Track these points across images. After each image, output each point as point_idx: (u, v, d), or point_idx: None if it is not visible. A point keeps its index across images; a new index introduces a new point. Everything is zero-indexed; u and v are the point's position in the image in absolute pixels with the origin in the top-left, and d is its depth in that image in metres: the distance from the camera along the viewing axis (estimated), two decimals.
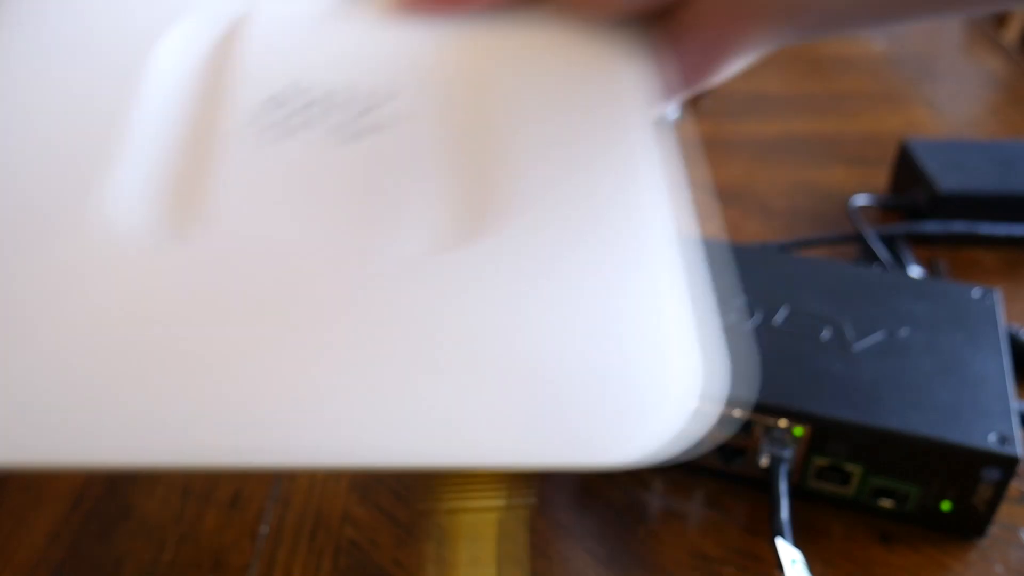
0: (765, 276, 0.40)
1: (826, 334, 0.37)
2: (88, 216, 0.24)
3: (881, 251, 0.47)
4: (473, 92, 0.30)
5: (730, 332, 0.37)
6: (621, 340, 0.25)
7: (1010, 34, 1.01)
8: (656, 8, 0.31)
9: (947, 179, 0.50)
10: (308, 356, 0.22)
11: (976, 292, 0.39)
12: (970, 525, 0.34)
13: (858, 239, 0.49)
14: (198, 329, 0.22)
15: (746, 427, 0.35)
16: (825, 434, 0.34)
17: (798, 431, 0.34)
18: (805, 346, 0.36)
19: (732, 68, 0.33)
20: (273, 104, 0.28)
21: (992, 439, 0.32)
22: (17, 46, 0.29)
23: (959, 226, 0.50)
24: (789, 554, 0.32)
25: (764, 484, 0.36)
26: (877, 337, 0.37)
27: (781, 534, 0.32)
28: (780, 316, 0.38)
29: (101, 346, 0.22)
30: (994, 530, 0.35)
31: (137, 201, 0.25)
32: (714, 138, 0.62)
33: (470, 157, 0.28)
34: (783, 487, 0.34)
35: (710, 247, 0.42)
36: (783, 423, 0.34)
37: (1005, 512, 0.36)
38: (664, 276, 0.28)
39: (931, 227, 0.50)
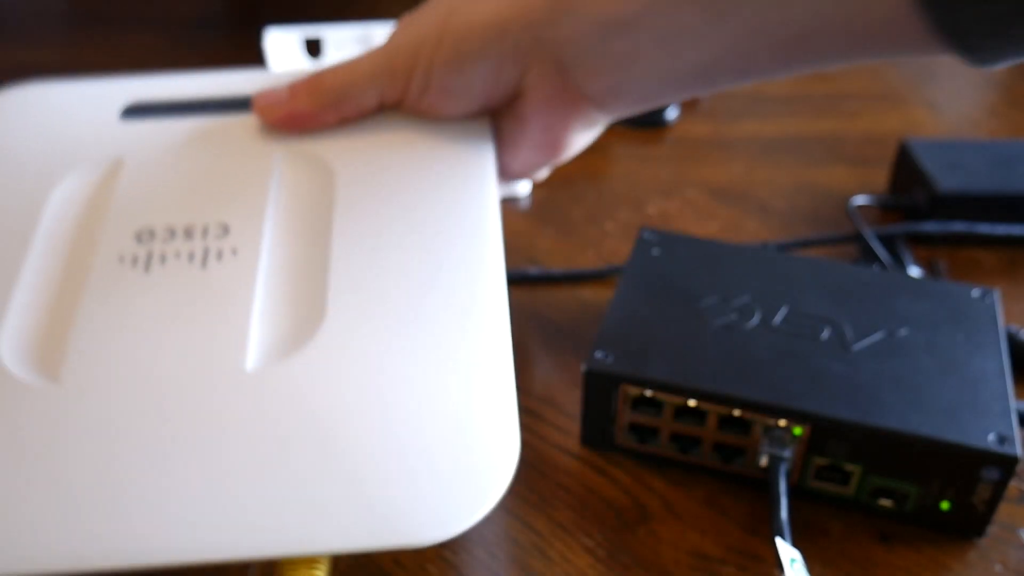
0: (765, 276, 0.40)
1: (825, 334, 0.37)
2: None
3: (880, 251, 0.47)
4: (314, 205, 0.34)
5: (730, 332, 0.37)
6: (426, 433, 0.28)
7: None
8: (493, 106, 0.36)
9: (947, 179, 0.50)
10: (154, 469, 0.26)
11: (976, 292, 0.39)
12: (969, 525, 0.34)
13: (858, 239, 0.49)
14: (65, 454, 0.27)
15: (746, 427, 0.35)
16: (824, 434, 0.34)
17: (797, 431, 0.34)
18: (804, 346, 0.36)
19: (581, 142, 0.39)
20: (142, 238, 0.32)
21: (991, 439, 0.32)
22: None
23: (958, 226, 0.50)
24: (788, 554, 0.32)
25: (763, 484, 0.36)
26: (876, 337, 0.37)
27: (781, 534, 0.32)
28: (779, 316, 0.38)
29: None
30: (994, 530, 0.35)
31: (23, 346, 0.29)
32: (714, 138, 0.62)
33: (305, 271, 0.32)
34: (782, 487, 0.34)
35: (710, 247, 0.42)
36: (782, 423, 0.34)
37: (1005, 512, 0.36)
38: (473, 361, 0.30)
39: (930, 227, 0.50)
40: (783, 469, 0.34)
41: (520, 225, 0.53)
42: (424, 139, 0.36)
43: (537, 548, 0.34)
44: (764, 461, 0.35)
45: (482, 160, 0.36)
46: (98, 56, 0.73)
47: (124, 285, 0.31)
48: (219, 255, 0.32)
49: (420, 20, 0.35)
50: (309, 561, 0.27)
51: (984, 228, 0.50)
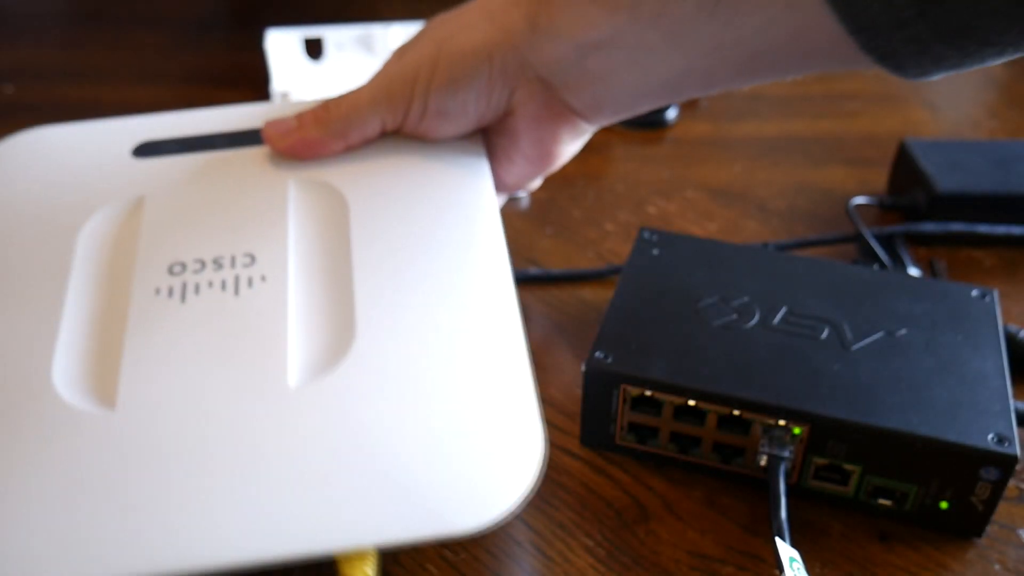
0: (764, 276, 0.40)
1: (825, 334, 0.37)
2: (41, 395, 0.31)
3: (880, 252, 0.48)
4: (331, 229, 0.36)
5: (729, 331, 0.37)
6: (459, 433, 0.30)
7: None
8: (486, 124, 0.39)
9: (946, 179, 0.50)
10: (213, 479, 0.29)
11: (975, 292, 0.39)
12: (969, 524, 0.34)
13: (857, 239, 0.49)
14: (129, 474, 0.29)
15: (745, 426, 0.35)
16: (824, 434, 0.34)
17: (797, 430, 0.34)
18: (804, 346, 0.36)
19: (570, 151, 0.41)
20: (174, 270, 0.34)
21: (990, 439, 0.32)
22: None
23: (957, 226, 0.50)
24: (788, 553, 0.32)
25: (763, 483, 0.36)
26: (876, 337, 0.37)
27: (780, 534, 0.32)
28: (779, 316, 0.38)
29: (57, 492, 0.28)
30: (993, 529, 0.35)
31: (77, 378, 0.31)
32: (713, 138, 0.62)
33: (332, 291, 0.34)
34: (782, 487, 0.34)
35: (710, 246, 0.42)
36: (782, 423, 0.34)
37: (1003, 511, 0.36)
38: (498, 360, 0.33)
39: (929, 227, 0.50)
40: (782, 469, 0.34)
41: (520, 225, 0.53)
42: (424, 160, 0.39)
43: (537, 548, 0.34)
44: (763, 461, 0.35)
45: (480, 175, 0.39)
46: (99, 56, 0.73)
47: (164, 315, 0.33)
48: (249, 282, 0.34)
49: (413, 50, 0.38)
50: (361, 557, 0.30)
51: (983, 228, 0.50)
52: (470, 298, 0.34)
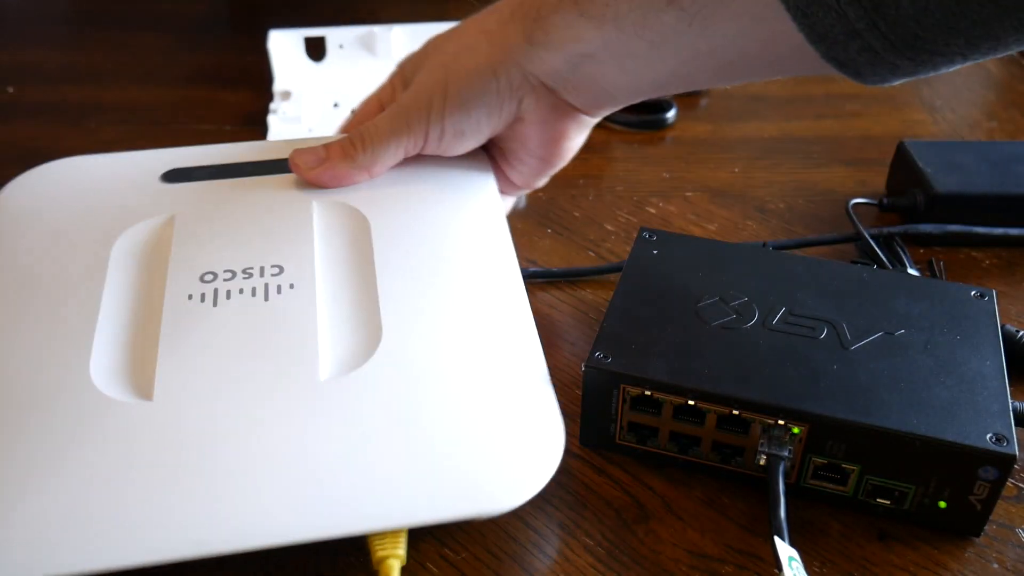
0: (763, 275, 0.40)
1: (824, 334, 0.37)
2: (81, 387, 0.32)
3: (879, 252, 0.48)
4: (353, 242, 0.39)
5: (728, 331, 0.37)
6: (485, 420, 0.33)
7: None
8: (499, 134, 0.42)
9: (944, 180, 0.50)
10: (249, 464, 0.31)
11: (974, 292, 0.40)
12: (967, 524, 0.34)
13: (857, 240, 0.49)
14: (170, 459, 0.31)
15: (744, 426, 0.35)
16: (823, 433, 0.34)
17: (796, 430, 0.34)
18: (803, 346, 0.37)
19: (576, 145, 0.44)
20: (206, 278, 0.36)
21: (989, 438, 0.33)
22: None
23: (955, 228, 0.50)
24: (787, 552, 0.32)
25: (762, 483, 0.36)
26: (875, 337, 0.37)
27: (779, 533, 0.32)
28: (778, 316, 0.38)
29: (101, 479, 0.30)
30: (991, 528, 0.35)
31: (114, 373, 0.33)
32: (713, 139, 0.62)
33: (357, 296, 0.36)
34: (781, 486, 0.34)
35: (709, 246, 0.42)
36: (781, 422, 0.34)
37: (1002, 511, 0.36)
38: (515, 351, 0.36)
39: (927, 228, 0.50)
40: (781, 468, 0.34)
41: (520, 225, 0.53)
42: (435, 175, 0.43)
43: (537, 547, 0.34)
44: (763, 460, 0.35)
45: (486, 185, 0.43)
46: (100, 57, 0.73)
47: (196, 317, 0.35)
48: (278, 290, 0.36)
49: (423, 80, 0.41)
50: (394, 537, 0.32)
51: (981, 229, 0.50)
52: (485, 297, 0.37)
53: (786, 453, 0.34)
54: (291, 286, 0.36)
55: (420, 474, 0.31)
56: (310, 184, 0.41)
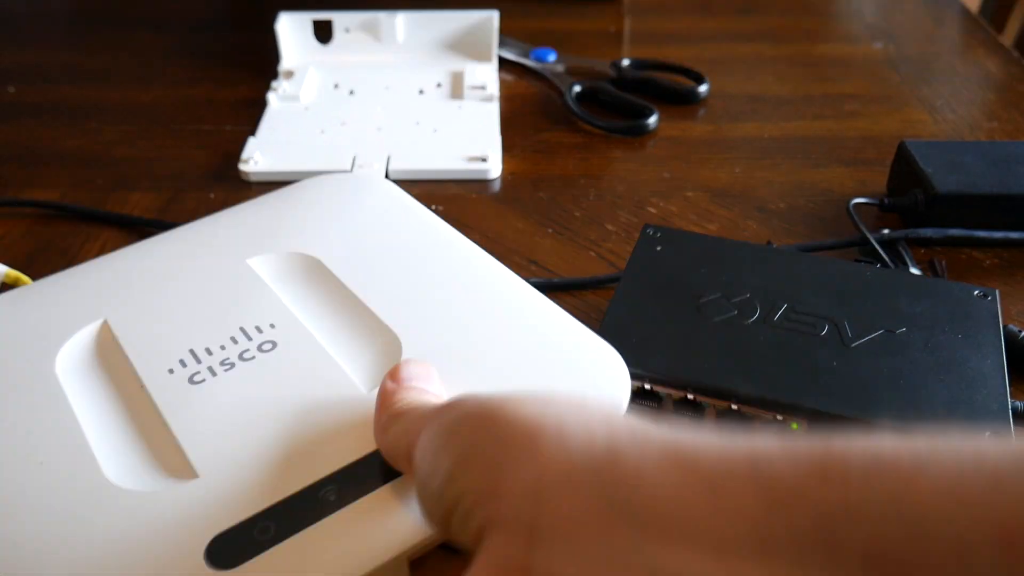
0: (766, 273, 0.40)
1: (825, 331, 0.37)
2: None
3: (881, 252, 0.48)
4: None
5: (730, 327, 0.37)
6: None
7: (1008, 35, 1.02)
8: None
9: (944, 180, 0.50)
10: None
11: (976, 292, 0.40)
12: None
13: (860, 243, 0.49)
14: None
15: (744, 420, 0.35)
16: (821, 428, 0.34)
17: (795, 425, 0.34)
18: (803, 342, 0.37)
19: None
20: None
21: (987, 437, 0.32)
22: None
23: (956, 232, 0.50)
24: None
25: None
26: (876, 335, 0.37)
27: None
28: (780, 312, 0.38)
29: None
30: None
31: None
32: (713, 139, 0.62)
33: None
34: None
35: (713, 243, 0.42)
36: (780, 417, 0.34)
37: None
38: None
39: (928, 233, 0.50)
40: None
41: (521, 226, 0.53)
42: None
43: None
44: None
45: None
46: (101, 57, 0.73)
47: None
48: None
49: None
50: None
51: (981, 233, 0.50)
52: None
53: None
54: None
55: None
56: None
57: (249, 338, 0.35)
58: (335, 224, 0.42)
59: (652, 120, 0.62)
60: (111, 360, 0.36)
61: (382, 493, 0.29)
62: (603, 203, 0.55)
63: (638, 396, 0.36)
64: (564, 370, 0.33)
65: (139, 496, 0.29)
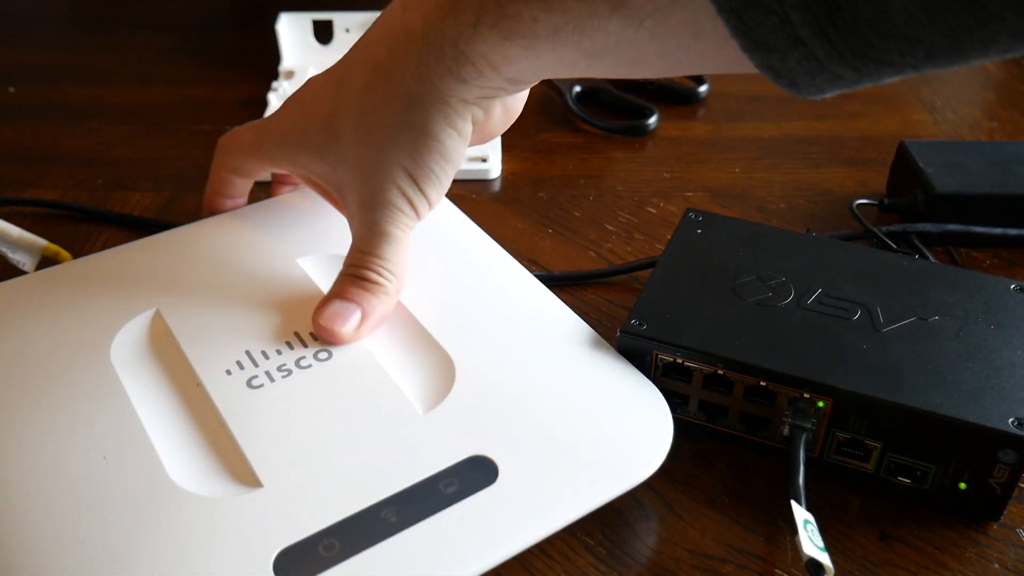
0: (803, 259, 0.41)
1: (857, 316, 0.38)
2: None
3: (894, 248, 0.48)
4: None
5: (763, 308, 0.38)
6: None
7: None
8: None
9: (944, 180, 0.50)
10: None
11: (1013, 286, 0.40)
12: (986, 507, 0.35)
13: (865, 238, 0.49)
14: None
15: (771, 397, 0.36)
16: (847, 408, 0.35)
17: (820, 404, 0.35)
18: (835, 325, 0.37)
19: (522, 103, 0.41)
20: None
21: (1011, 422, 0.33)
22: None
23: (954, 227, 0.50)
24: (802, 516, 0.32)
25: (786, 455, 0.36)
26: (907, 321, 0.37)
27: (796, 498, 0.33)
28: (813, 296, 0.39)
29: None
30: (993, 528, 0.35)
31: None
32: (713, 139, 0.62)
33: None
34: (801, 455, 0.35)
35: (749, 228, 0.43)
36: (806, 395, 0.35)
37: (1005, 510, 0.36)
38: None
39: (927, 227, 0.50)
40: (803, 439, 0.35)
41: (521, 226, 0.53)
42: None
43: (538, 546, 0.34)
44: (786, 431, 0.35)
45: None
46: (101, 57, 0.73)
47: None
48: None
49: (371, 173, 0.37)
50: None
51: (980, 229, 0.50)
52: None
53: (809, 425, 0.35)
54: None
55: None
56: (325, 336, 0.37)
57: (304, 344, 0.36)
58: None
59: (652, 120, 0.62)
60: (166, 353, 0.36)
61: (441, 517, 0.29)
62: (603, 203, 0.55)
63: (669, 371, 0.37)
64: (610, 412, 0.34)
65: (204, 501, 0.29)
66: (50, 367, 0.34)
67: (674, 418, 0.38)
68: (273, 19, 0.68)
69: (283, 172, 0.45)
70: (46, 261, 0.45)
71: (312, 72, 0.67)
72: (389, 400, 0.33)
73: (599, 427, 0.33)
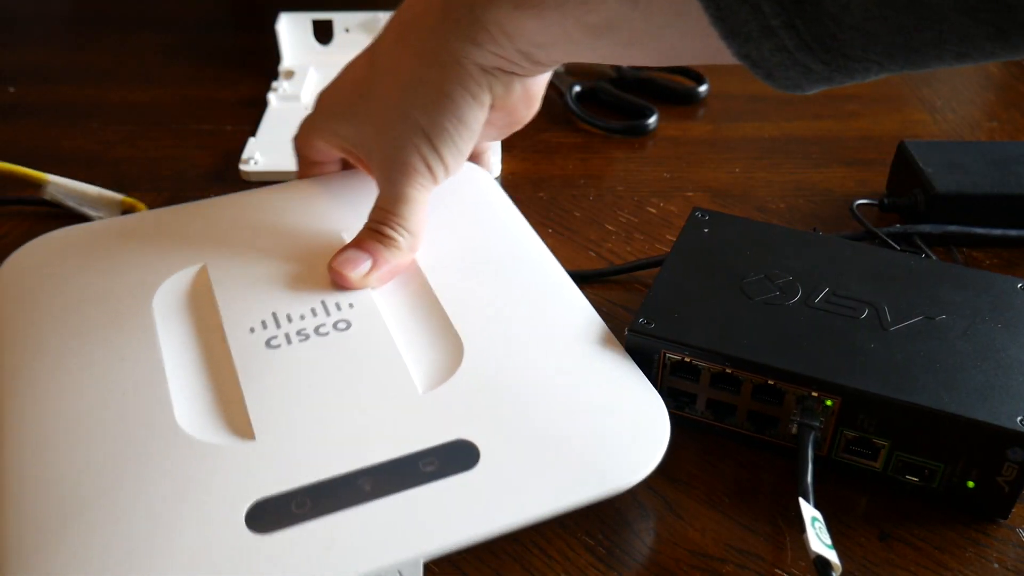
0: (810, 257, 0.41)
1: (864, 314, 0.38)
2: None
3: (895, 247, 0.48)
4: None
5: (771, 307, 0.38)
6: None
7: None
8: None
9: (944, 180, 0.50)
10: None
11: (1020, 284, 0.40)
12: (994, 505, 0.35)
13: (866, 239, 0.49)
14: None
15: (779, 396, 0.36)
16: (855, 407, 0.35)
17: (829, 402, 0.35)
18: (843, 324, 0.37)
19: (543, 89, 0.43)
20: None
21: (1020, 420, 0.33)
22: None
23: (954, 228, 0.50)
24: (810, 514, 0.32)
25: (794, 455, 0.36)
26: (915, 320, 0.37)
27: (805, 496, 0.33)
28: (821, 295, 0.39)
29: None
30: (992, 528, 0.35)
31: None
32: (713, 139, 0.62)
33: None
34: (809, 453, 0.35)
35: (756, 227, 0.43)
36: (814, 393, 0.35)
37: None
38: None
39: (926, 229, 0.50)
40: (812, 437, 0.35)
41: None
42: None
43: (537, 546, 0.34)
44: (794, 429, 0.35)
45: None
46: (101, 58, 0.73)
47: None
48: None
49: (391, 136, 0.39)
50: None
51: (980, 231, 0.50)
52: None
53: (817, 424, 0.35)
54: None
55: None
56: (340, 284, 0.39)
57: (328, 313, 0.37)
58: (430, 209, 0.42)
59: (652, 120, 0.62)
60: (203, 306, 0.38)
61: (411, 494, 0.30)
62: (603, 203, 0.55)
63: (677, 369, 0.37)
64: (606, 416, 0.34)
65: (199, 444, 0.32)
66: (98, 306, 0.37)
67: (681, 416, 0.38)
68: (273, 19, 0.68)
69: (332, 150, 0.45)
70: (126, 214, 0.49)
71: (312, 72, 0.67)
72: (392, 376, 0.34)
73: (591, 430, 0.33)
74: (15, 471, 0.31)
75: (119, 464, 0.31)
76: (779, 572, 0.34)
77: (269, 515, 0.29)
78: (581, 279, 0.48)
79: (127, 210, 0.50)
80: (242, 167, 0.57)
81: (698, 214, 0.44)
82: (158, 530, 0.29)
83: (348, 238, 0.41)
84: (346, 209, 0.43)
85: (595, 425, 0.33)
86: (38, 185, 0.52)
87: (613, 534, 0.35)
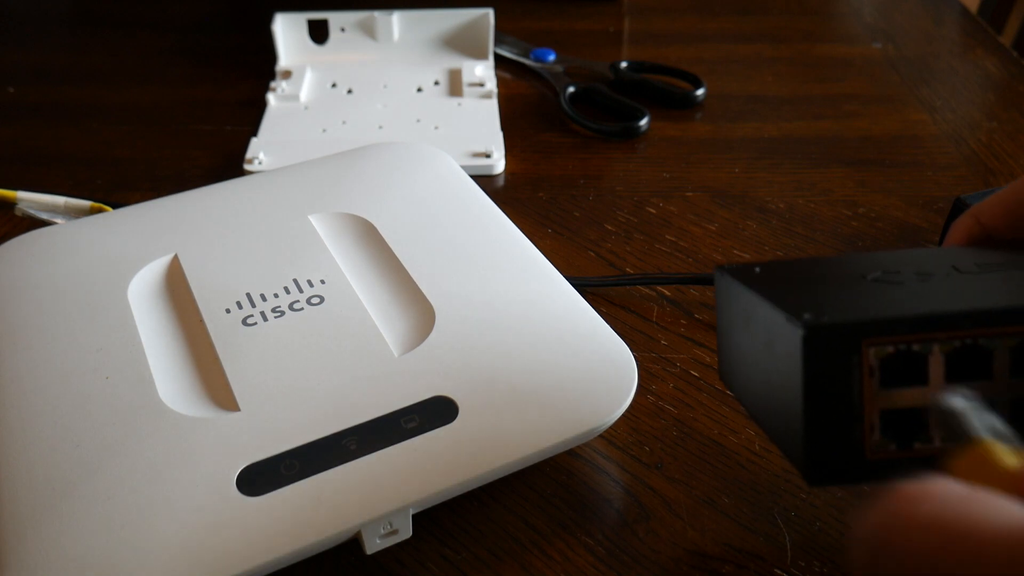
0: (907, 261, 0.29)
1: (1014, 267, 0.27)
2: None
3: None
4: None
5: (921, 285, 0.26)
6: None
7: (1008, 36, 1.02)
8: None
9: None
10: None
11: None
12: None
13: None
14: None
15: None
16: None
17: None
18: (1020, 276, 0.27)
19: None
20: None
21: None
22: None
23: None
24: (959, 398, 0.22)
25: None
26: None
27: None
28: (963, 267, 0.28)
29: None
30: None
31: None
32: (713, 139, 0.62)
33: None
34: None
35: (805, 264, 0.32)
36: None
37: None
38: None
39: None
40: None
41: (521, 226, 0.53)
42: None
43: (537, 546, 0.34)
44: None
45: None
46: (101, 58, 0.73)
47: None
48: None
49: None
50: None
51: None
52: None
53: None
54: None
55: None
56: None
57: (301, 290, 0.38)
58: (392, 191, 0.45)
59: (643, 123, 0.62)
60: (177, 293, 0.39)
61: (395, 450, 0.32)
62: (603, 203, 0.55)
63: (892, 369, 0.23)
64: (577, 359, 0.36)
65: (185, 419, 0.33)
66: (76, 299, 0.38)
67: (912, 459, 0.24)
68: (271, 19, 0.68)
69: None
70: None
71: (310, 73, 0.67)
72: (368, 343, 0.36)
73: (563, 377, 0.35)
74: (4, 457, 0.32)
75: (108, 443, 0.32)
76: (779, 572, 0.34)
77: (259, 478, 0.31)
78: (581, 286, 0.48)
79: (95, 213, 0.51)
80: (247, 167, 0.57)
81: (725, 267, 0.31)
82: (151, 499, 0.30)
83: (315, 222, 0.43)
84: (311, 194, 0.45)
85: (566, 372, 0.35)
86: (10, 205, 0.53)
87: (613, 534, 0.35)
